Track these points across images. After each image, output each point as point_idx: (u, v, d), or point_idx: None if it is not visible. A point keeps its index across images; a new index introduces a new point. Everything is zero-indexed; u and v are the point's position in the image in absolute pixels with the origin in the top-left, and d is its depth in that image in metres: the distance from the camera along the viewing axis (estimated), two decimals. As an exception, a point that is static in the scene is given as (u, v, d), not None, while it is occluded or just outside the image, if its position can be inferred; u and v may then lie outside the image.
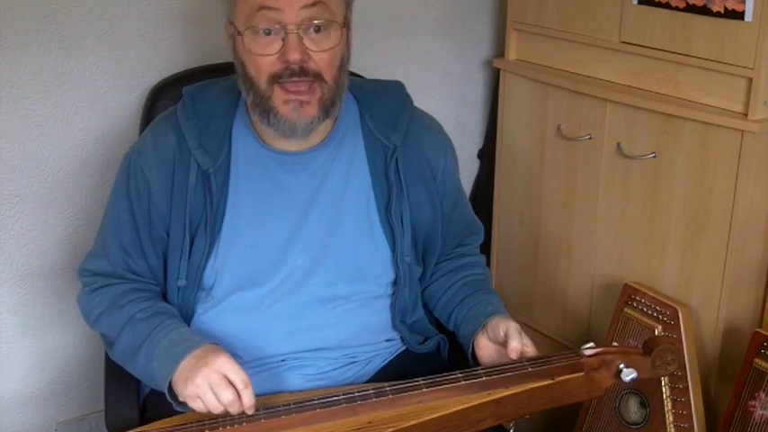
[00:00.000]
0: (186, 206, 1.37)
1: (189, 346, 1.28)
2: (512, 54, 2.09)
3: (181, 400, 1.26)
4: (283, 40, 1.29)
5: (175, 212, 1.38)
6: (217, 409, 1.23)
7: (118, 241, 1.42)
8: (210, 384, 1.22)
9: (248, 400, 1.23)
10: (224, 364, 1.24)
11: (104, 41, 1.79)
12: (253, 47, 1.30)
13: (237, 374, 1.23)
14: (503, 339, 1.34)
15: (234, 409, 1.23)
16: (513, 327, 1.34)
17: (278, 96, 1.31)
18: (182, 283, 1.39)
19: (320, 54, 1.30)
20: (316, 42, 1.30)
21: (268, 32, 1.29)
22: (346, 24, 1.35)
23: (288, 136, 1.35)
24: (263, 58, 1.30)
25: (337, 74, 1.34)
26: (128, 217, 1.41)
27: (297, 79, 1.29)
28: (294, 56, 1.28)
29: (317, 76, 1.30)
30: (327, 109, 1.34)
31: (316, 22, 1.29)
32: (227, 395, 1.22)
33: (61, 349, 1.93)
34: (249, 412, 1.23)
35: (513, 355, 1.30)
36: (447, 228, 1.52)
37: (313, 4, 1.28)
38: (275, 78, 1.30)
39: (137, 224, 1.41)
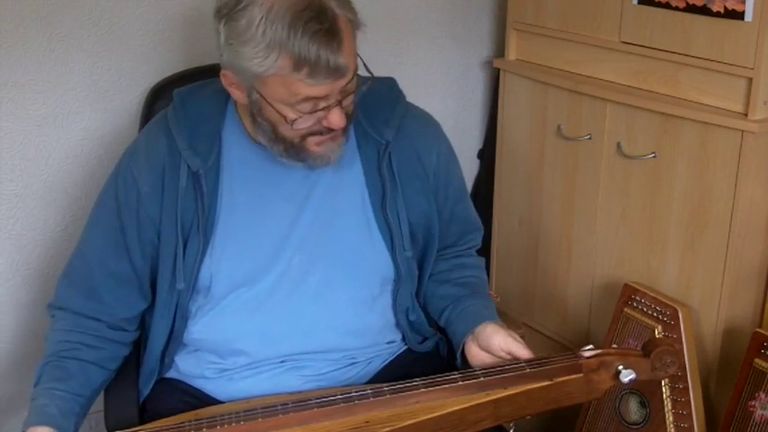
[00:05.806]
0: (177, 208, 1.37)
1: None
2: (512, 54, 2.08)
3: None
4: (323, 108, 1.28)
5: (166, 215, 1.38)
6: None
7: (102, 240, 1.41)
8: None
9: None
10: None
11: (104, 41, 1.79)
12: (288, 114, 1.28)
13: None
14: (500, 352, 1.35)
15: None
16: (511, 342, 1.34)
17: (311, 142, 1.32)
18: (180, 285, 1.38)
19: (349, 106, 1.32)
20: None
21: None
22: None
23: (323, 166, 1.36)
24: (301, 122, 1.29)
25: None
26: (114, 218, 1.40)
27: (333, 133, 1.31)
28: (340, 125, 1.29)
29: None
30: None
31: (350, 88, 1.29)
32: None
33: (61, 349, 1.93)
34: None
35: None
36: (444, 222, 1.51)
37: (350, 80, 1.28)
38: (311, 134, 1.31)
39: (123, 225, 1.39)
